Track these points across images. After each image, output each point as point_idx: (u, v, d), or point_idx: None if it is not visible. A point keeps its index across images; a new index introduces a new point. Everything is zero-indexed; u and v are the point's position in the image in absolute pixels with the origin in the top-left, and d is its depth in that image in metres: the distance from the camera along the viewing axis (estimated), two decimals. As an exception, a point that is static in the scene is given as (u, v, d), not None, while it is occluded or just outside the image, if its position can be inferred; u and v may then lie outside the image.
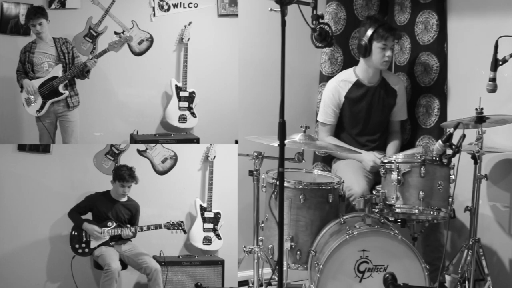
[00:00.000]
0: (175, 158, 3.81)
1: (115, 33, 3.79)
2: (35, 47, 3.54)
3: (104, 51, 3.56)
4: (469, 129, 3.02)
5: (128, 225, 3.51)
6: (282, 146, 2.29)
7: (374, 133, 3.70)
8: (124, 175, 3.50)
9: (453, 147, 2.77)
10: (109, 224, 3.48)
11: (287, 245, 3.03)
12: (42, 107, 3.52)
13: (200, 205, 3.79)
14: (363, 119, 3.64)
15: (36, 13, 3.49)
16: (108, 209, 3.51)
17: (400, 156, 3.07)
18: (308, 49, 3.07)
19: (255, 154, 3.09)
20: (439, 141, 2.82)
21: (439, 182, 3.00)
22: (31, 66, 3.53)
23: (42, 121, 3.55)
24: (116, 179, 3.52)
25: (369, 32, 3.45)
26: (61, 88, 3.53)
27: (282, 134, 2.28)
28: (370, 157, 3.51)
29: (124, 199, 3.56)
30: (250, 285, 3.29)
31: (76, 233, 3.46)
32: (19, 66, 3.55)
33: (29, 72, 3.52)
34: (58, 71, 3.53)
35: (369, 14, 3.86)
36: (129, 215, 3.56)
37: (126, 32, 3.79)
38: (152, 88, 3.91)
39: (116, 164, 3.69)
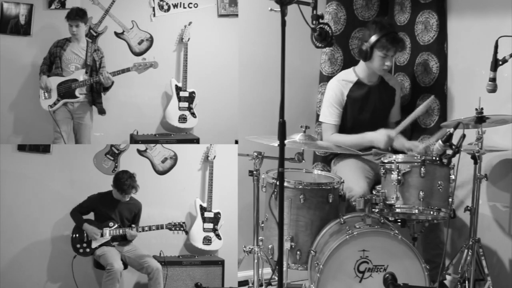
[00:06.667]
0: (175, 158, 3.81)
1: (115, 33, 3.80)
2: (68, 45, 3.60)
3: (128, 69, 3.61)
4: (469, 129, 3.01)
5: (133, 225, 3.51)
6: (282, 146, 2.29)
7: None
8: (123, 186, 3.47)
9: (453, 147, 2.76)
10: (111, 224, 3.48)
11: (287, 245, 3.03)
12: (55, 104, 3.56)
13: (200, 205, 3.79)
14: (365, 118, 3.63)
15: (76, 15, 3.56)
16: (110, 210, 3.50)
17: (400, 156, 3.07)
18: (308, 49, 3.06)
19: (255, 154, 3.09)
20: (439, 141, 2.82)
21: (439, 182, 3.00)
22: (59, 61, 3.57)
23: (59, 120, 3.58)
24: (116, 188, 3.50)
25: (373, 38, 3.41)
26: (77, 92, 3.59)
27: (282, 134, 2.28)
28: (381, 134, 3.44)
29: (127, 199, 3.55)
30: (250, 285, 3.29)
31: (77, 233, 3.46)
32: (46, 57, 3.60)
33: (58, 67, 3.57)
34: (80, 75, 3.59)
35: (377, 18, 3.81)
36: (132, 215, 3.56)
37: (126, 33, 3.80)
38: (152, 88, 3.91)
39: (117, 169, 3.68)
